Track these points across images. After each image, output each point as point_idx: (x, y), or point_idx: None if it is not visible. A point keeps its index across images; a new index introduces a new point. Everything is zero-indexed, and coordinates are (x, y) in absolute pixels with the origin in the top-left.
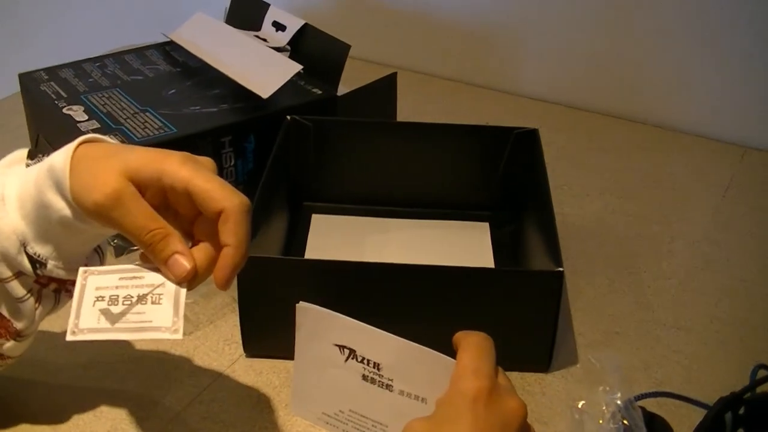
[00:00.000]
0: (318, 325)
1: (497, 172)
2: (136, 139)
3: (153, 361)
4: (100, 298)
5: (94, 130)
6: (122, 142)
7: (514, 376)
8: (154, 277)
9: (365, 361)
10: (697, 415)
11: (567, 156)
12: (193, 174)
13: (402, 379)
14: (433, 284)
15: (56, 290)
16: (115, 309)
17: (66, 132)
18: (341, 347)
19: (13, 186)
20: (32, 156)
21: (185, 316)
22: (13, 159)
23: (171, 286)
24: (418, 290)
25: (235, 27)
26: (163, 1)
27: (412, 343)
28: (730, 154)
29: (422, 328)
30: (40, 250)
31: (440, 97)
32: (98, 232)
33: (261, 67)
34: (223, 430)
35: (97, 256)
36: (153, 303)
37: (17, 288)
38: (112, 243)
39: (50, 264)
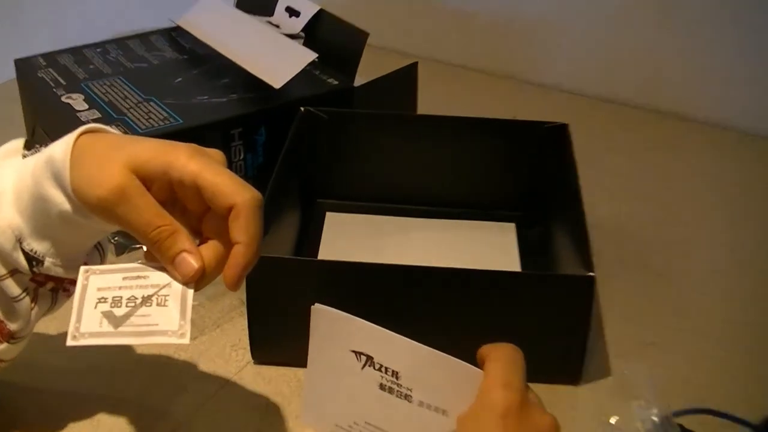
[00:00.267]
0: (333, 329)
1: (524, 170)
2: (139, 130)
3: (155, 367)
4: (102, 300)
5: (94, 120)
6: (125, 133)
7: (541, 388)
8: (159, 277)
9: (383, 369)
10: None
11: (598, 151)
12: (202, 167)
13: (422, 389)
14: (454, 288)
15: (53, 289)
16: (119, 311)
17: (65, 122)
18: (358, 353)
19: (8, 178)
20: (29, 147)
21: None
22: (9, 150)
23: (177, 287)
24: (439, 294)
25: (245, 12)
26: None
27: (434, 350)
28: None
29: (443, 335)
30: (37, 246)
31: (464, 89)
32: (100, 228)
33: (273, 56)
34: None
35: (97, 254)
36: (158, 305)
37: (12, 286)
38: (113, 240)
39: (48, 261)
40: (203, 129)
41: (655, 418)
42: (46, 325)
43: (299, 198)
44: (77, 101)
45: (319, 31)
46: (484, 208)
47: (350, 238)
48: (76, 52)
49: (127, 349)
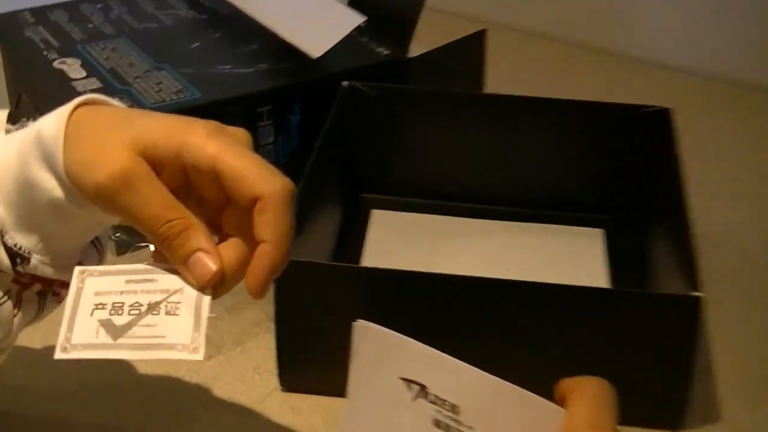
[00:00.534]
0: (380, 350)
1: (615, 164)
2: (148, 104)
3: (161, 390)
4: (100, 306)
5: (93, 91)
6: (130, 106)
7: None
8: (169, 281)
9: (439, 402)
10: None
11: (707, 143)
12: (223, 149)
13: (487, 428)
14: (526, 307)
15: (41, 293)
16: (119, 320)
17: (57, 92)
18: (409, 381)
19: None
20: (14, 120)
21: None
22: None
23: (191, 293)
24: (508, 314)
25: None
26: None
27: (503, 381)
28: None
29: (512, 363)
30: (21, 240)
31: (542, 63)
32: (98, 221)
33: (311, 18)
34: None
35: (95, 253)
36: (167, 313)
37: None
38: (113, 237)
39: (35, 259)
40: (225, 105)
41: None
42: (30, 337)
43: (340, 191)
44: (73, 68)
45: None
46: (565, 210)
47: (400, 241)
48: (71, 7)
49: (128, 366)
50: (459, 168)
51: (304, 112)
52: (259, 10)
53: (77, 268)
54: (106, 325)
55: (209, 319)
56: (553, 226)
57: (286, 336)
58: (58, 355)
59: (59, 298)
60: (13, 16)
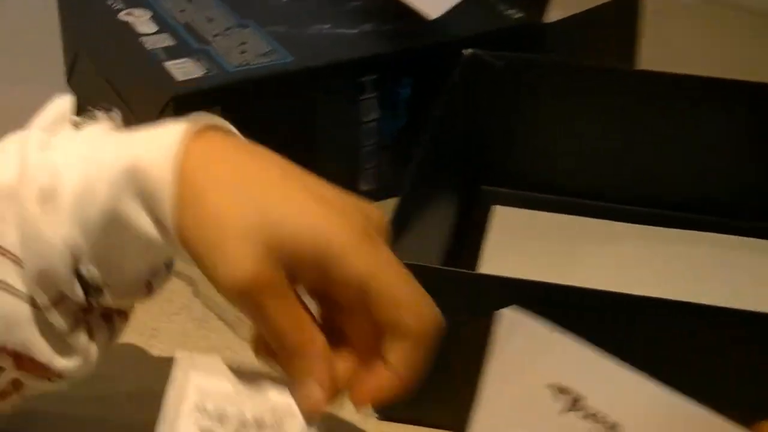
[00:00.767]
0: (527, 346)
1: None
2: (229, 67)
3: None
4: (201, 409)
5: (165, 49)
6: (207, 70)
7: None
8: (279, 398)
9: (596, 418)
10: None
11: None
12: (378, 266)
13: None
14: (690, 332)
15: (105, 315)
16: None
17: (122, 49)
18: (559, 389)
19: (65, 170)
20: (81, 109)
21: None
22: (53, 116)
23: (299, 419)
24: (664, 339)
25: None
26: None
27: (691, 401)
28: None
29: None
30: (95, 272)
31: (711, 33)
32: (180, 257)
33: None
34: None
35: (164, 270)
36: None
37: (58, 319)
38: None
39: (107, 291)
40: (321, 73)
41: None
42: None
43: (456, 182)
44: (141, 20)
45: None
46: (739, 217)
47: (527, 244)
48: None
49: None
50: (601, 160)
51: (416, 84)
52: None
53: (178, 354)
54: None
55: None
56: (723, 236)
57: None
58: None
59: (125, 316)
60: None
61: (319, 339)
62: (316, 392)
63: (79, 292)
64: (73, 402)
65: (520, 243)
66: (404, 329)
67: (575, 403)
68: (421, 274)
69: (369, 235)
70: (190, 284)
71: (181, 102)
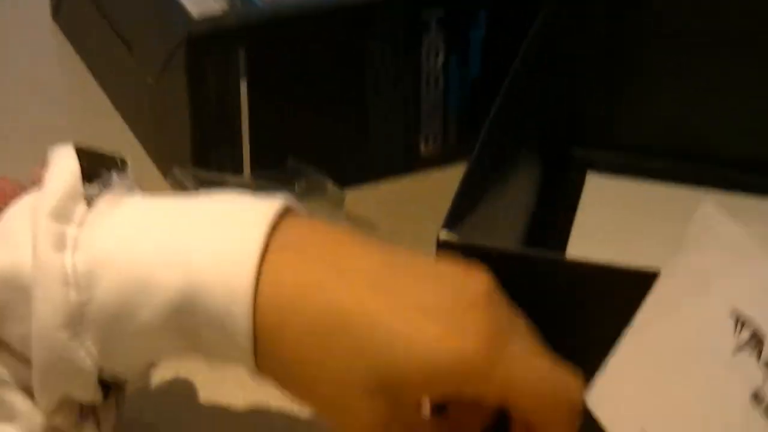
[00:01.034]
0: (717, 257)
1: None
2: (257, 1)
3: None
4: None
5: None
6: (230, 3)
7: None
8: None
9: None
10: None
11: None
12: (509, 377)
13: None
14: None
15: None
16: None
17: None
18: (743, 322)
19: (95, 295)
20: (91, 174)
21: None
22: (61, 193)
23: None
24: None
25: None
26: None
27: None
28: None
29: None
30: (116, 369)
31: None
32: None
33: None
34: None
35: None
36: None
37: (63, 422)
38: None
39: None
40: (369, 8)
41: None
42: None
43: (542, 143)
44: None
45: None
46: None
47: (626, 219)
48: None
49: None
50: (722, 119)
51: (491, 24)
52: None
53: None
54: None
55: None
56: None
57: None
58: None
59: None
60: None
61: None
62: None
63: (98, 396)
64: None
65: (618, 218)
66: (554, 422)
67: (757, 344)
68: (499, 258)
69: (489, 338)
70: None
71: (196, 44)
